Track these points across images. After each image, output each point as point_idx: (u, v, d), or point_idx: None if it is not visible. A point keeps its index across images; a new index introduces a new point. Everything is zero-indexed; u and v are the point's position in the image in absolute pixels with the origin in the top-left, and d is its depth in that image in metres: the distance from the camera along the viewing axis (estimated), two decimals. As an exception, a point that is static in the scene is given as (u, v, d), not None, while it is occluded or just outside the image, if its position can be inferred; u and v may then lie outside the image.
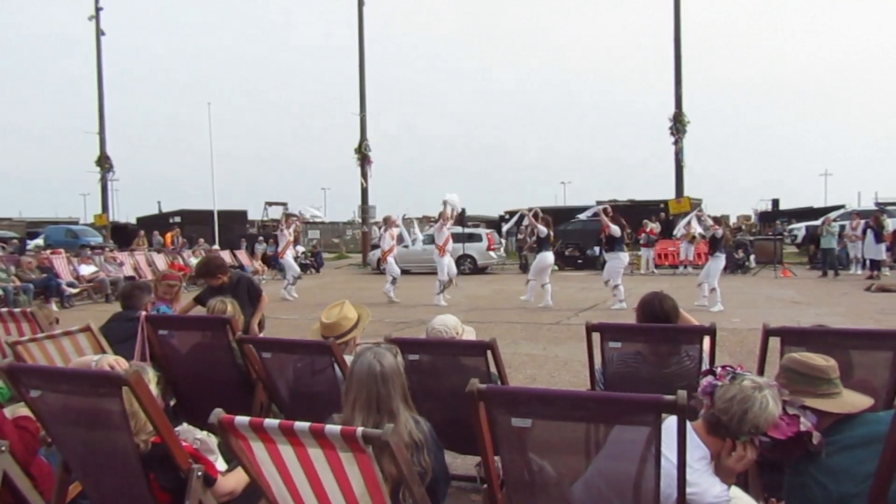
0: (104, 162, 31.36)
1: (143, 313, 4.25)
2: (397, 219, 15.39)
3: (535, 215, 13.40)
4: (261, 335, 5.77)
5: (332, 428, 1.96)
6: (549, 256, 13.07)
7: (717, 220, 12.86)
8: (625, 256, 12.95)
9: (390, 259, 14.50)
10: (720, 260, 12.30)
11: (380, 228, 15.96)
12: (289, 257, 15.58)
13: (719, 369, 2.35)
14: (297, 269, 16.08)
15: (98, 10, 31.26)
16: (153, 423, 2.38)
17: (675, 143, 24.63)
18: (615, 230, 12.50)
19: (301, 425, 1.99)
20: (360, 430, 1.94)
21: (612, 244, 12.63)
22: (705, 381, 2.34)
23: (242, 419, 2.07)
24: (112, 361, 2.78)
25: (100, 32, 31.44)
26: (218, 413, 2.09)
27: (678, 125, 24.43)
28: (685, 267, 21.30)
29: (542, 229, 13.02)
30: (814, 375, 2.37)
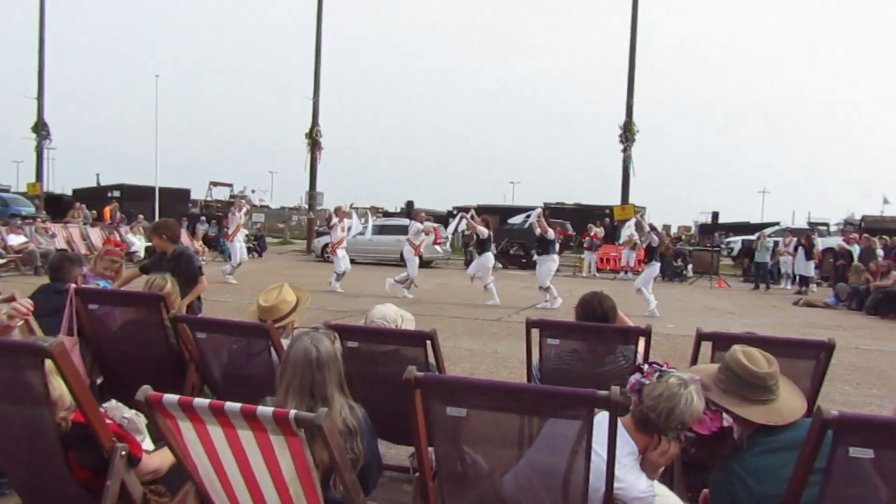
0: (41, 128, 30.02)
1: (73, 286, 4.09)
2: (349, 209, 15.26)
3: (473, 217, 13.44)
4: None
5: (265, 409, 1.92)
6: (490, 257, 13.23)
7: (656, 229, 13.23)
8: (556, 259, 13.07)
9: (340, 251, 14.33)
10: (653, 267, 12.72)
11: (331, 217, 15.75)
12: (237, 242, 15.26)
13: (646, 367, 2.40)
14: (245, 255, 15.70)
15: (43, -31, 29.93)
16: (76, 398, 2.29)
17: (624, 150, 25.13)
18: (550, 233, 12.79)
19: (232, 406, 1.95)
20: (292, 412, 1.90)
21: (547, 247, 12.80)
22: (633, 378, 2.39)
23: (171, 397, 2.00)
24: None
25: (44, -6, 30.10)
26: (145, 390, 2.02)
27: (628, 133, 24.95)
28: (626, 272, 21.76)
29: (483, 230, 13.03)
30: (751, 381, 2.37)
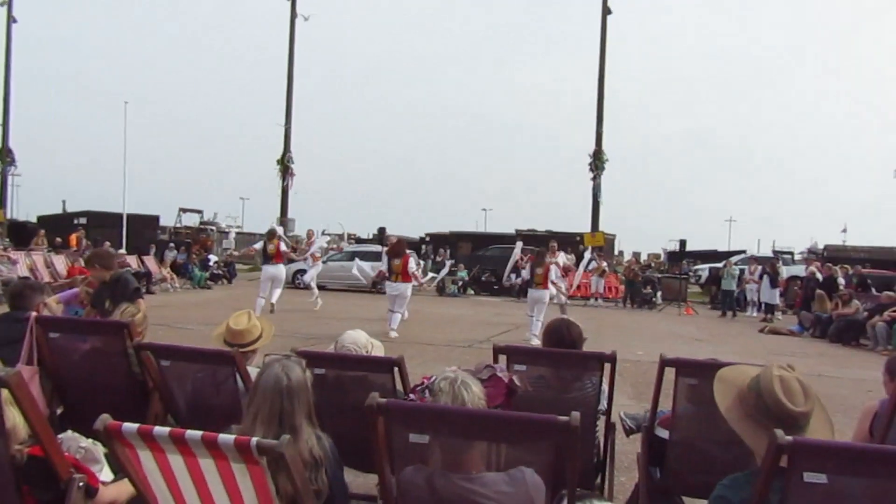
0: (6, 155, 29.73)
1: (33, 314, 4.01)
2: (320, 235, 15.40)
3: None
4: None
5: (226, 437, 1.91)
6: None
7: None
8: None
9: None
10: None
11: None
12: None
13: (412, 395, 2.36)
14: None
15: (12, -5, 29.80)
16: (33, 430, 2.24)
17: (594, 178, 25.59)
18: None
19: (192, 434, 1.93)
20: (254, 440, 1.89)
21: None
22: None
23: (130, 426, 1.98)
24: None
25: (11, 20, 29.95)
26: (105, 419, 1.99)
27: (597, 162, 25.44)
28: (596, 299, 21.96)
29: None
30: (780, 417, 2.08)
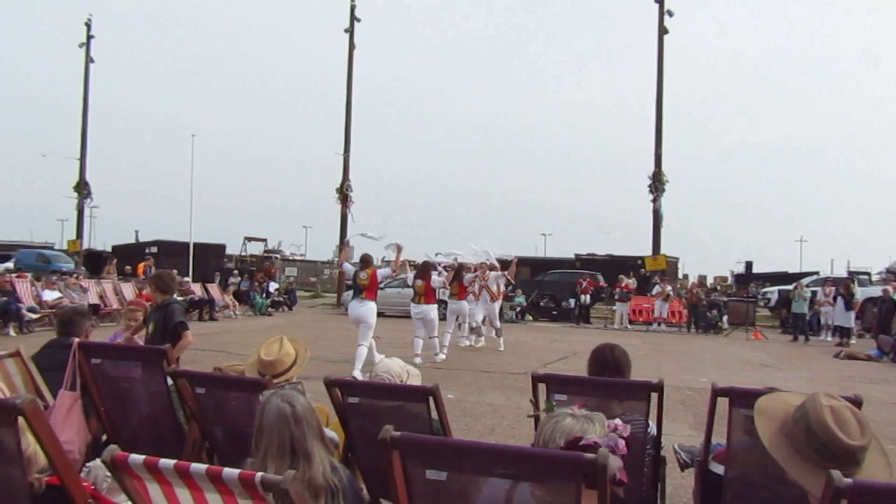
0: (83, 188, 31.24)
1: (76, 339, 4.06)
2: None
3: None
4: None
5: (230, 472, 1.81)
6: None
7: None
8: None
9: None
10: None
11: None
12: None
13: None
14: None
15: (89, 37, 31.54)
16: (49, 458, 2.20)
17: (654, 200, 24.98)
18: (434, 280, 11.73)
19: (197, 467, 1.84)
20: (259, 475, 1.79)
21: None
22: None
23: (136, 457, 1.91)
24: None
25: (89, 60, 31.66)
26: (112, 450, 1.93)
27: (657, 184, 24.84)
28: (659, 324, 21.28)
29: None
30: (835, 452, 1.91)
